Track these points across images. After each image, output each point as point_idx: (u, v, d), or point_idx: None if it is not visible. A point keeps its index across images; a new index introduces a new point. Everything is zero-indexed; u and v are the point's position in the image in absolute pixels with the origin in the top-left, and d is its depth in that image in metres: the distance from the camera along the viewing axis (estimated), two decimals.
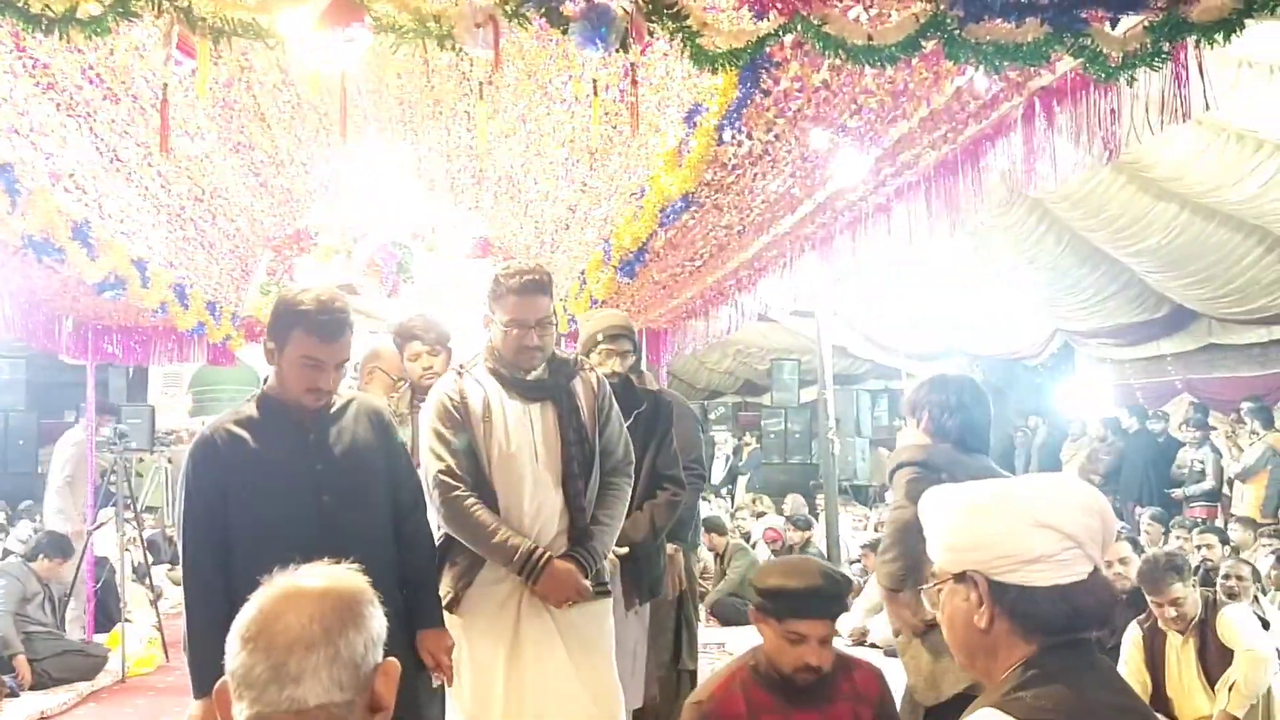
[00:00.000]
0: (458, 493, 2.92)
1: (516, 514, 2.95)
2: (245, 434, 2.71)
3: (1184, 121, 2.85)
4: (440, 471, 2.95)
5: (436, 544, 3.05)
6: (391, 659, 1.38)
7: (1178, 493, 9.16)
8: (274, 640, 1.29)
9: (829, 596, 2.60)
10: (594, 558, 3.00)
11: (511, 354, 2.99)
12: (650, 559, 3.59)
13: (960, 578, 1.56)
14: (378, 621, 1.37)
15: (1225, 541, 6.71)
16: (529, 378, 3.02)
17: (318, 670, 1.29)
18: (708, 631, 7.85)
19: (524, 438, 2.98)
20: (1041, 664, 1.49)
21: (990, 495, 1.58)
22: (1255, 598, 5.17)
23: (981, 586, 1.53)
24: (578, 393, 3.08)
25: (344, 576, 1.38)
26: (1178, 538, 6.77)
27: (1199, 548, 6.43)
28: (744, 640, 6.75)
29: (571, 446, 3.00)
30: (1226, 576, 5.14)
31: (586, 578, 2.95)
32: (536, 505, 2.97)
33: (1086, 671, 1.50)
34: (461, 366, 3.11)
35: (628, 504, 3.20)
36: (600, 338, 3.64)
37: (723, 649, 7.38)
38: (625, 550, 3.40)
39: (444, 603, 2.97)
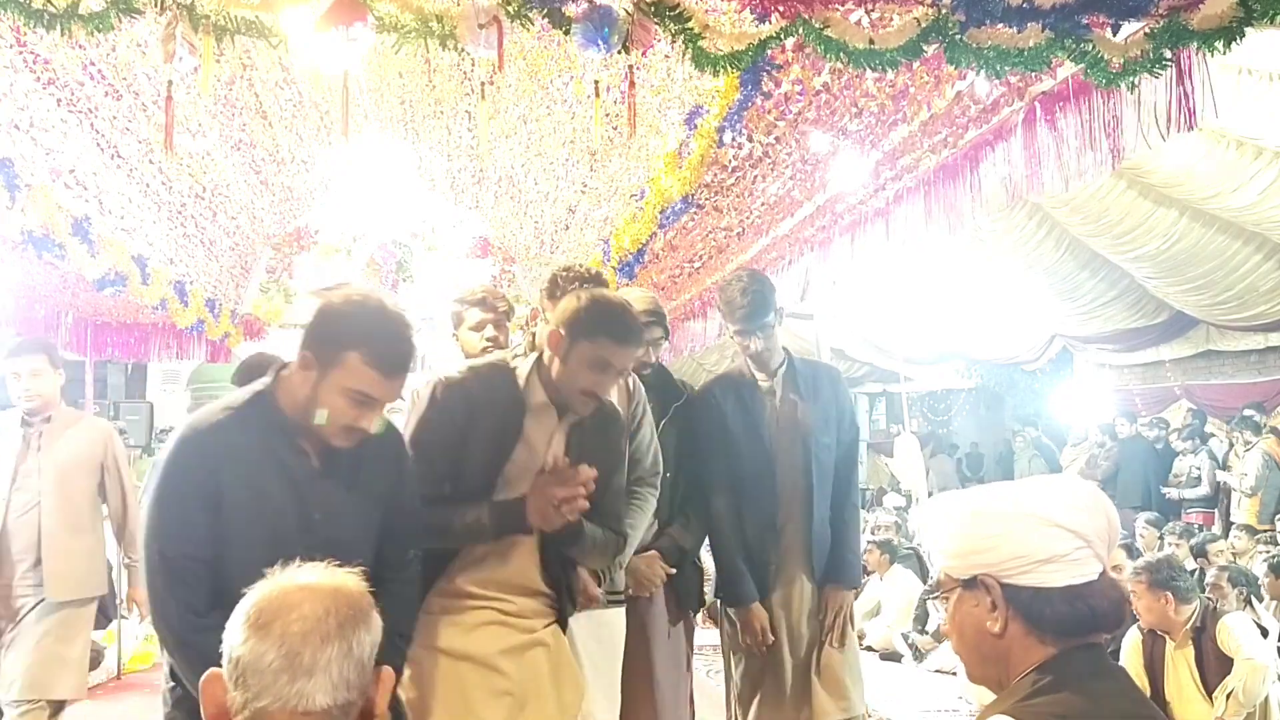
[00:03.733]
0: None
1: None
2: (242, 445, 2.16)
3: (1189, 130, 2.84)
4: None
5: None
6: (388, 667, 1.36)
7: (1173, 493, 9.18)
8: (289, 629, 1.26)
9: None
10: (610, 569, 2.88)
11: (574, 393, 2.50)
12: (695, 566, 3.43)
13: (970, 583, 1.53)
14: (379, 626, 1.36)
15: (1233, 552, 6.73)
16: None
17: (330, 665, 1.26)
18: (704, 634, 7.84)
19: (553, 441, 2.83)
20: (1056, 670, 1.46)
21: (996, 498, 1.56)
22: (1249, 604, 5.17)
23: (994, 590, 1.50)
24: (610, 398, 2.91)
25: (347, 577, 1.36)
26: (1172, 544, 6.77)
27: (1214, 555, 6.42)
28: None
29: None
30: (1213, 586, 5.17)
31: (600, 585, 2.82)
32: None
33: (1102, 679, 1.48)
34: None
35: (650, 515, 3.05)
36: None
37: (719, 651, 7.37)
38: (674, 570, 3.24)
39: None
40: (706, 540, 3.48)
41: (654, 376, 3.31)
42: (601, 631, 2.90)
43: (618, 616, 2.98)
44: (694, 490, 3.37)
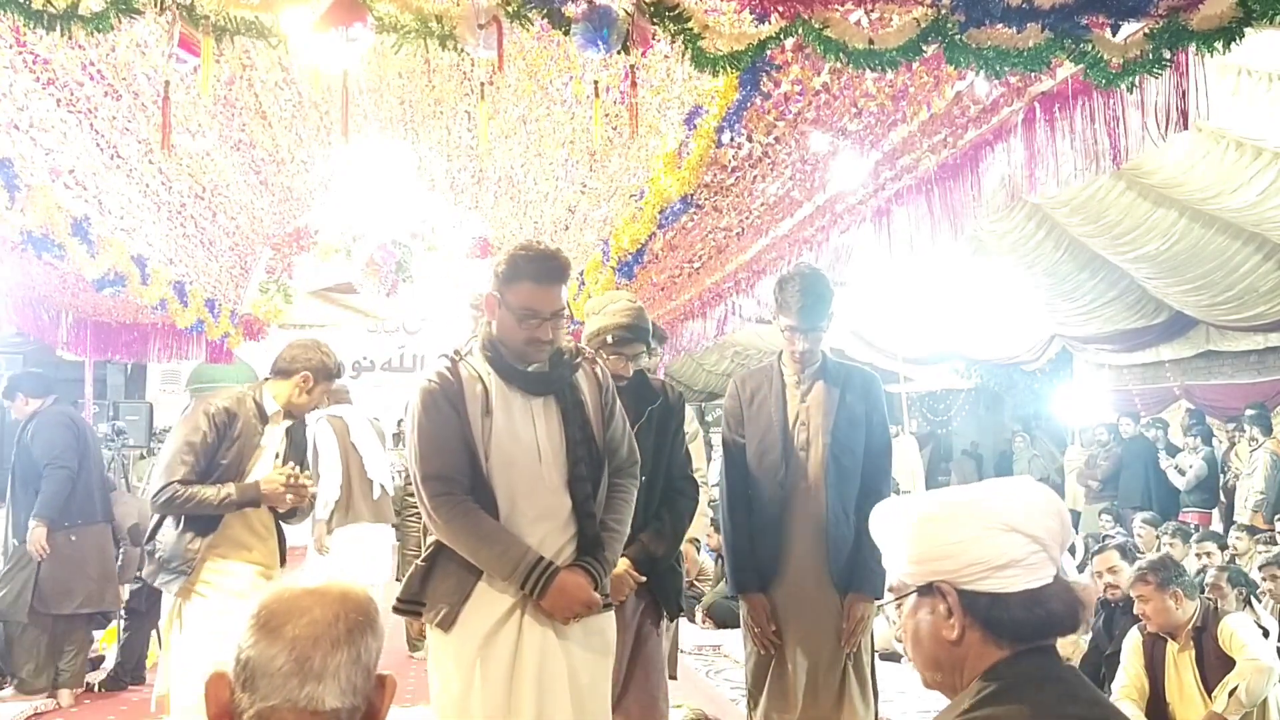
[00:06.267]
0: (451, 495, 2.63)
1: (518, 519, 2.66)
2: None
3: (1184, 130, 2.85)
4: (430, 473, 2.65)
5: (425, 552, 2.82)
6: (390, 674, 1.37)
7: (1171, 473, 9.22)
8: (300, 633, 1.28)
9: None
10: (605, 568, 2.73)
11: (519, 345, 2.69)
12: (674, 571, 3.34)
13: (926, 590, 1.52)
14: (384, 632, 1.37)
15: (1224, 548, 6.72)
16: (529, 369, 2.73)
17: (339, 671, 1.28)
18: (704, 633, 7.86)
19: (526, 435, 2.69)
20: (1002, 676, 1.46)
21: (950, 504, 1.55)
22: (1249, 604, 5.17)
23: (951, 597, 1.49)
24: (581, 387, 2.81)
25: (351, 583, 1.38)
26: (1168, 544, 6.77)
27: (1199, 555, 6.42)
28: (739, 642, 6.72)
29: (578, 446, 2.73)
30: (1213, 586, 5.16)
31: (596, 589, 2.68)
32: (541, 510, 2.69)
33: (1049, 683, 1.46)
34: (456, 352, 2.79)
35: (633, 507, 2.92)
36: (609, 340, 3.25)
37: (719, 651, 7.38)
38: (645, 578, 3.15)
39: (436, 619, 2.68)
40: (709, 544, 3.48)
41: (631, 382, 3.30)
42: (592, 639, 2.75)
43: (608, 622, 2.82)
44: (671, 493, 3.33)
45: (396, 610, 2.84)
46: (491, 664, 2.63)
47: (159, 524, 3.92)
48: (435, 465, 2.66)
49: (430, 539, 2.77)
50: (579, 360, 2.86)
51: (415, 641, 6.53)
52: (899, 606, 1.59)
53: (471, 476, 2.66)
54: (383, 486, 6.43)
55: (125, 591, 6.43)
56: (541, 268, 2.66)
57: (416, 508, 3.51)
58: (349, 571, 5.77)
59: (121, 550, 6.36)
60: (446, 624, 2.66)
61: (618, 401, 2.92)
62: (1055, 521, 1.51)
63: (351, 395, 6.81)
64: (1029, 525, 1.48)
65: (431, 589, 2.72)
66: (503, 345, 2.73)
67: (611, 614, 2.86)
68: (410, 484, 3.55)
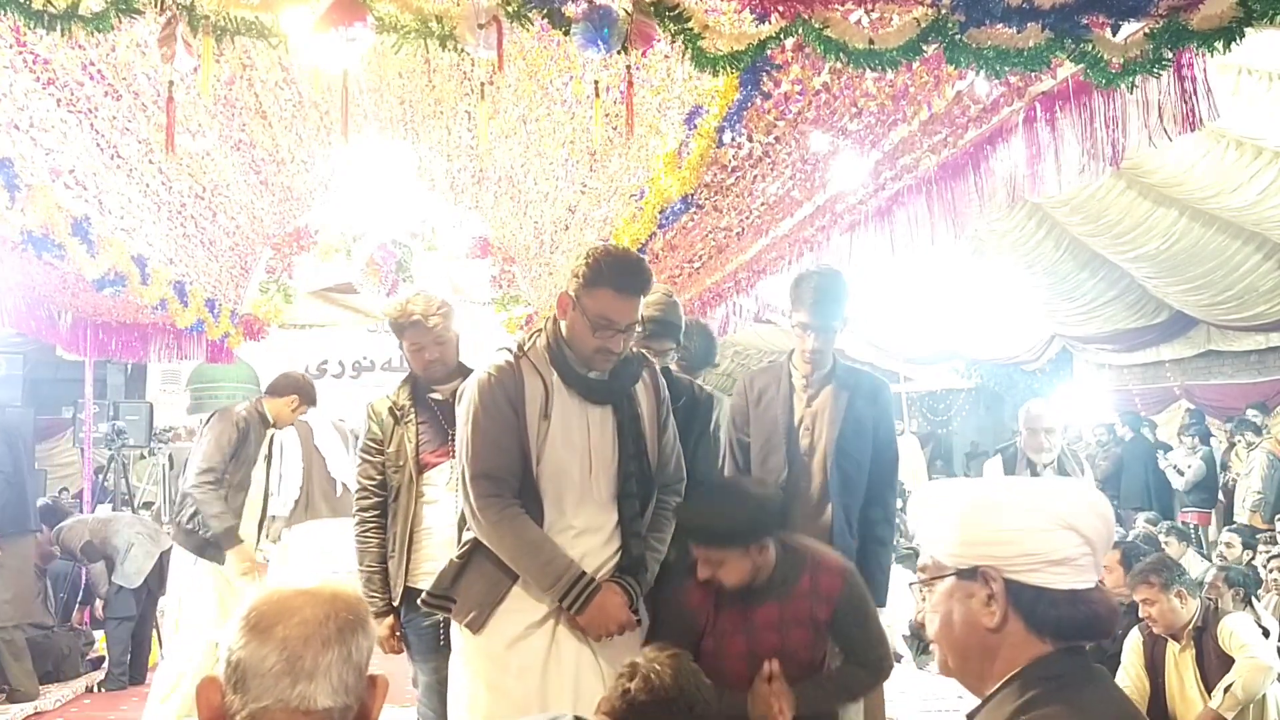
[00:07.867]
0: (500, 497, 2.54)
1: (562, 529, 2.57)
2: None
3: (1191, 131, 2.85)
4: (480, 472, 2.55)
5: (460, 549, 2.72)
6: (382, 674, 1.37)
7: (1170, 473, 9.23)
8: (290, 633, 1.28)
9: (706, 528, 2.62)
10: (644, 589, 2.66)
11: (587, 352, 2.56)
12: None
13: (968, 574, 1.49)
14: (375, 632, 1.37)
15: (1248, 546, 6.74)
16: (591, 375, 2.62)
17: (330, 669, 1.28)
18: None
19: (579, 443, 2.59)
20: (1043, 676, 1.44)
21: (1012, 492, 1.53)
22: (1249, 604, 5.16)
23: (997, 584, 1.46)
24: (639, 399, 2.69)
25: (343, 584, 1.38)
26: (1164, 544, 6.77)
27: (1226, 545, 6.44)
28: None
29: (630, 461, 2.62)
30: (1211, 586, 5.16)
31: (631, 609, 2.60)
32: (586, 522, 2.60)
33: (1091, 686, 1.45)
34: (519, 347, 2.66)
35: (673, 525, 2.80)
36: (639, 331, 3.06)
37: None
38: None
39: (466, 621, 2.62)
40: None
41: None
42: (626, 655, 2.64)
43: (636, 639, 2.72)
44: (692, 494, 3.20)
45: (425, 604, 2.78)
46: (519, 670, 2.57)
47: (195, 508, 4.79)
48: (487, 464, 2.55)
49: (467, 536, 2.67)
50: (640, 369, 2.74)
51: None
52: (930, 588, 1.55)
53: (521, 479, 2.57)
54: (345, 485, 6.57)
55: (98, 605, 6.49)
56: (626, 277, 2.53)
57: (373, 522, 3.36)
58: (310, 564, 6.12)
59: (84, 569, 6.41)
60: (476, 626, 2.60)
61: (672, 414, 2.82)
62: (1105, 526, 1.49)
63: (318, 399, 6.92)
64: (1085, 526, 1.46)
65: (463, 588, 2.64)
66: (569, 348, 2.60)
67: (639, 632, 2.77)
68: (364, 497, 3.40)
